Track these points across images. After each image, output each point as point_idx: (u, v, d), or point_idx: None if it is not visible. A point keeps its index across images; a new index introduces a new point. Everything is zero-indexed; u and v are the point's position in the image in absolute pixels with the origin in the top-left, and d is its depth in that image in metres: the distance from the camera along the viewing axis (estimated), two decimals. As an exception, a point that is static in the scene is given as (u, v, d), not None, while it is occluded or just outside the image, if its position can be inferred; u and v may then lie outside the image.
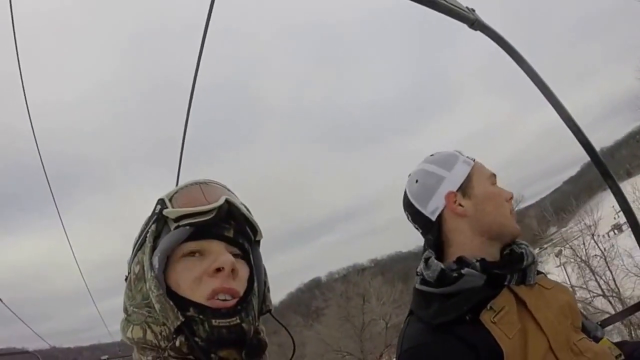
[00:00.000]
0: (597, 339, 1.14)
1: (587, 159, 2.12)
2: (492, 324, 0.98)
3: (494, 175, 1.21)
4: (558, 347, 0.99)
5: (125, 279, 0.84)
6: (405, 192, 1.24)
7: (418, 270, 1.15)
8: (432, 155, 1.24)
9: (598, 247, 18.85)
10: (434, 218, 1.16)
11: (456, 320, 1.00)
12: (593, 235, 19.27)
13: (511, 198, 1.19)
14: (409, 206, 1.22)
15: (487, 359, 0.95)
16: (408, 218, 1.24)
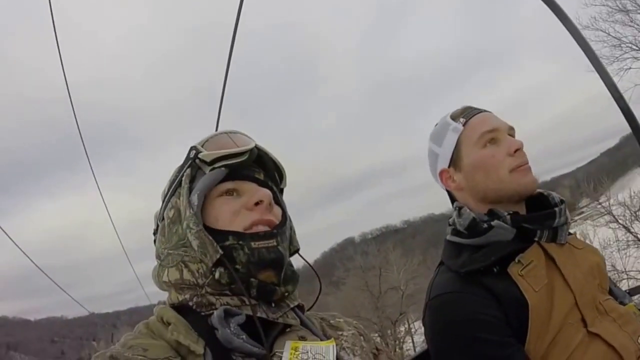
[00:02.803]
0: (624, 305, 1.12)
1: (628, 130, 2.01)
2: (519, 276, 0.99)
3: (491, 131, 1.10)
4: (584, 304, 0.99)
5: (154, 233, 0.88)
6: None
7: (450, 220, 1.17)
8: (435, 125, 1.23)
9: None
10: (446, 191, 1.24)
11: (484, 271, 1.01)
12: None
13: (517, 150, 1.08)
14: None
15: (512, 310, 0.96)
16: None
